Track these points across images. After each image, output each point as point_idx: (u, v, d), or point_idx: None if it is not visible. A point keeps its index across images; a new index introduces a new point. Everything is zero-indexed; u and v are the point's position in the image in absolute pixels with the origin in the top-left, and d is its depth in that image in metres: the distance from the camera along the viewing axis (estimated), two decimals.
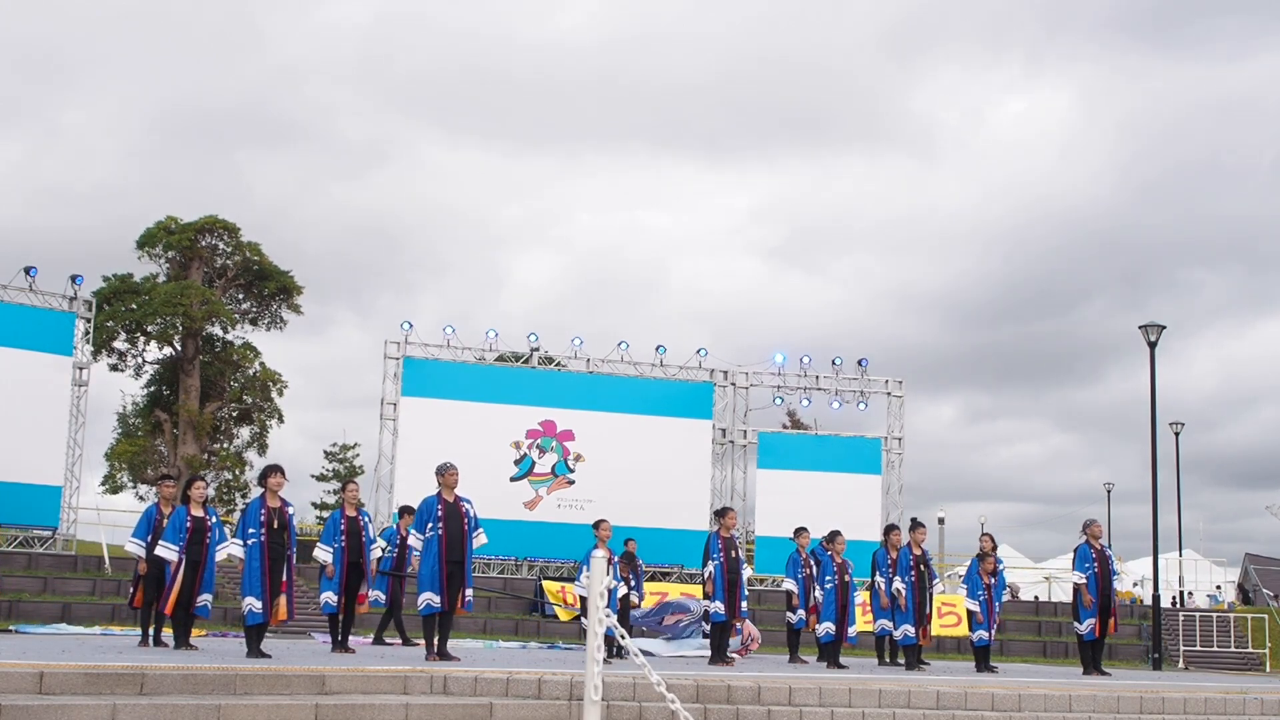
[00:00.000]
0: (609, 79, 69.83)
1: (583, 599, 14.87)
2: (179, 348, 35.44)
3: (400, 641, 15.59)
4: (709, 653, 13.95)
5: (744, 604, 13.91)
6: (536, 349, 28.10)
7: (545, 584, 24.96)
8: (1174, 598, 35.24)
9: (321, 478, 45.32)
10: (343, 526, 12.02)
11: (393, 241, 71.36)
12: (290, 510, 11.45)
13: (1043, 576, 36.98)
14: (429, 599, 11.23)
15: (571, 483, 27.56)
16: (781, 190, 75.08)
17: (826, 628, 14.84)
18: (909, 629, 14.37)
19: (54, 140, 63.37)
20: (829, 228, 75.73)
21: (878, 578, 14.78)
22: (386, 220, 70.35)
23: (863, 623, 16.96)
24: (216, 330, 36.54)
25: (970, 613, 14.76)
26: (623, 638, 8.33)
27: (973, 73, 73.44)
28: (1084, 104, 73.72)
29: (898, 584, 14.42)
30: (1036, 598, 33.93)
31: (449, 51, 68.23)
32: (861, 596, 16.92)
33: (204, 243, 36.17)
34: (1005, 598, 21.51)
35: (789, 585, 15.49)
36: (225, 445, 37.46)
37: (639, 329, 76.63)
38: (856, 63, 70.67)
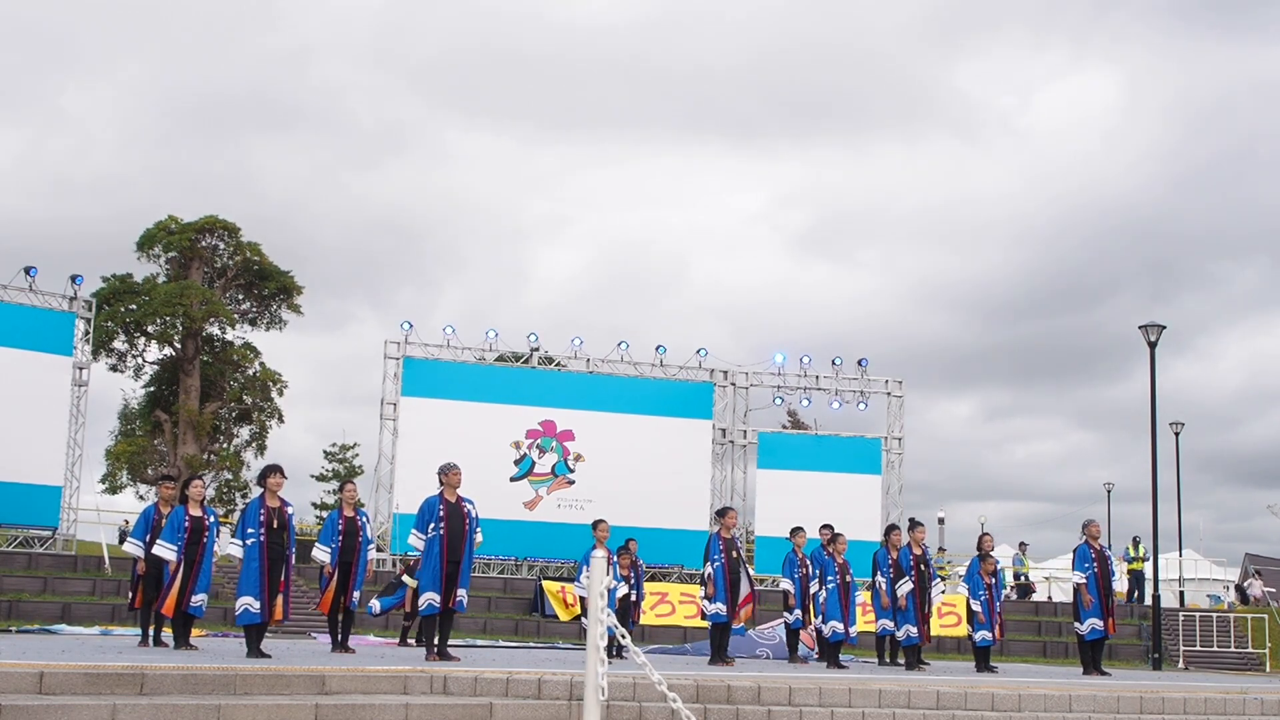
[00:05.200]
0: (636, 62, 68.23)
1: (582, 599, 14.87)
2: (179, 348, 35.45)
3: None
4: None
5: None
6: (536, 349, 28.09)
7: (545, 584, 24.94)
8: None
9: (321, 478, 45.36)
10: (340, 526, 12.05)
11: (410, 234, 69.86)
12: (290, 510, 11.47)
13: (1043, 576, 36.92)
14: (430, 599, 11.27)
15: (571, 483, 27.54)
16: (812, 178, 73.17)
17: (833, 626, 14.87)
18: (911, 629, 14.40)
19: (55, 127, 62.55)
20: (860, 217, 73.63)
21: (879, 578, 14.81)
22: (403, 212, 68.94)
23: (863, 623, 16.96)
24: (216, 330, 36.54)
25: (972, 613, 14.77)
26: (623, 637, 8.32)
27: (1018, 56, 71.26)
28: (1130, 88, 71.57)
29: (908, 586, 14.43)
30: (1049, 597, 33.85)
31: (469, 32, 66.68)
32: (862, 596, 16.91)
33: (204, 243, 36.19)
34: (1007, 595, 21.54)
35: (785, 585, 15.50)
36: (225, 445, 37.46)
37: (660, 324, 73.79)
38: (896, 45, 68.33)
